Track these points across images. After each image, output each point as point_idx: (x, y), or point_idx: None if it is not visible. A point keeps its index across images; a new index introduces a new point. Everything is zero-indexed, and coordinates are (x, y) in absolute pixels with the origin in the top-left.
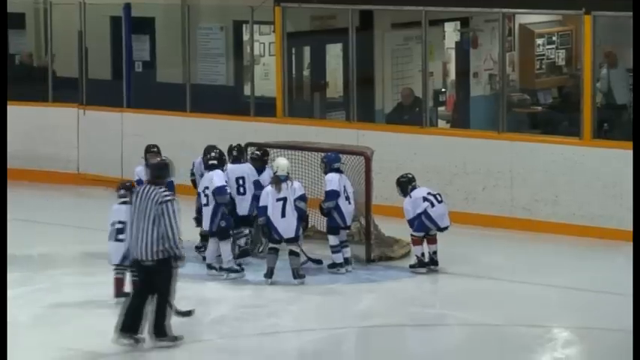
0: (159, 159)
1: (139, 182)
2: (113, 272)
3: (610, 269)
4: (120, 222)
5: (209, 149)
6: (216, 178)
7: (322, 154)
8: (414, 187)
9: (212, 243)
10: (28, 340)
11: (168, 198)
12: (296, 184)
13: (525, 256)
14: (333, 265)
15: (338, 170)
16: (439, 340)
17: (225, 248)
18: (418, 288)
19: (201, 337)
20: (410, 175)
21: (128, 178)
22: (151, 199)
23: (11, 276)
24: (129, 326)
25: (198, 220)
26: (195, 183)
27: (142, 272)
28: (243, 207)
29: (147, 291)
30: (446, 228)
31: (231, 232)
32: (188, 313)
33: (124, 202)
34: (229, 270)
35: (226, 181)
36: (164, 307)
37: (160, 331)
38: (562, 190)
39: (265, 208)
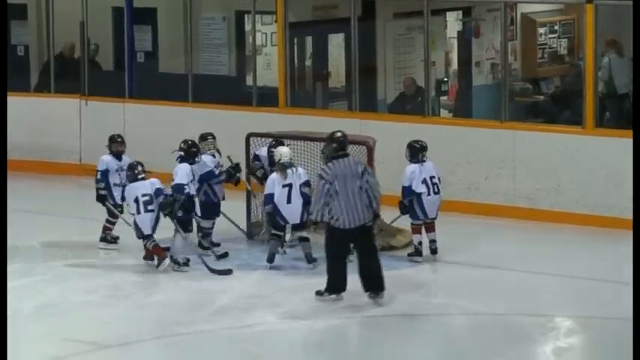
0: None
1: (105, 172)
2: (147, 242)
3: (612, 258)
4: (144, 194)
5: (203, 137)
6: (179, 174)
7: (323, 144)
8: (425, 158)
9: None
10: (31, 332)
11: (365, 165)
12: (300, 170)
13: (527, 245)
14: None
15: None
16: (441, 329)
17: (178, 239)
18: (420, 277)
19: (204, 328)
20: (423, 143)
21: None
22: (354, 169)
23: (13, 267)
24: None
25: None
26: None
27: (349, 236)
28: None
29: (347, 253)
30: (433, 219)
31: (190, 226)
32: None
33: (143, 178)
34: (175, 261)
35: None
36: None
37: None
38: (564, 179)
39: (271, 195)
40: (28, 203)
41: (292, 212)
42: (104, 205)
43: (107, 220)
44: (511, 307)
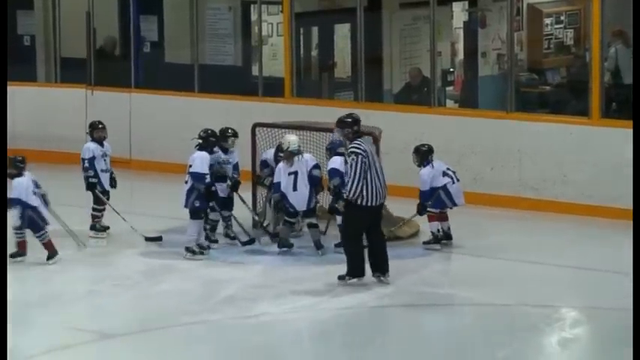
0: None
1: (92, 159)
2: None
3: (618, 249)
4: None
5: (222, 132)
6: (197, 162)
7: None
8: (433, 159)
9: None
10: (37, 320)
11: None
12: (307, 155)
13: (533, 236)
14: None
15: (342, 155)
16: (447, 320)
17: (193, 228)
18: (426, 268)
19: (210, 317)
20: (429, 146)
21: (137, 158)
22: (373, 148)
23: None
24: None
25: None
26: None
27: (373, 213)
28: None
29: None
30: (461, 205)
31: (202, 214)
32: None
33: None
34: (188, 249)
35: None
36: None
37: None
38: (570, 169)
39: (279, 184)
40: None
41: (299, 199)
42: (93, 193)
43: (94, 209)
44: (517, 298)
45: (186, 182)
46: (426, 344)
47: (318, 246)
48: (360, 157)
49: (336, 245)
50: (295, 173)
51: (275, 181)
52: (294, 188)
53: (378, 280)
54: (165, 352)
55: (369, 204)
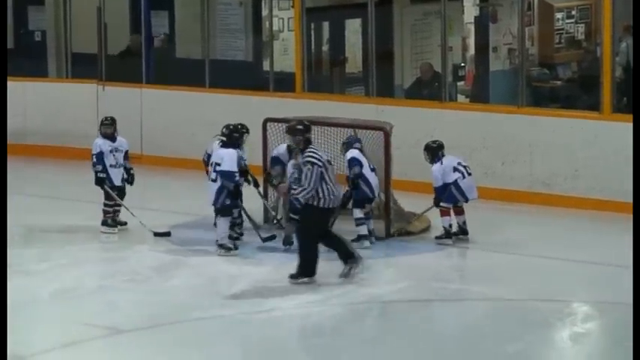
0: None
1: (100, 154)
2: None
3: (629, 243)
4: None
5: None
6: (227, 160)
7: (343, 132)
8: (444, 154)
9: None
10: (49, 316)
11: None
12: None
13: (544, 230)
14: (358, 238)
15: (359, 149)
16: (458, 315)
17: (224, 225)
18: (437, 263)
19: (221, 312)
20: (440, 142)
21: (146, 153)
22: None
23: (31, 252)
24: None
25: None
26: (206, 164)
27: (330, 215)
28: None
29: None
30: (473, 199)
31: (232, 211)
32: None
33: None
34: (222, 246)
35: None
36: None
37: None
38: (581, 164)
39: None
40: (46, 188)
41: None
42: (102, 188)
43: (105, 204)
44: (528, 293)
45: (213, 180)
46: (437, 339)
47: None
48: (315, 166)
49: (354, 240)
50: None
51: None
52: None
53: (349, 272)
54: (177, 347)
55: (327, 206)
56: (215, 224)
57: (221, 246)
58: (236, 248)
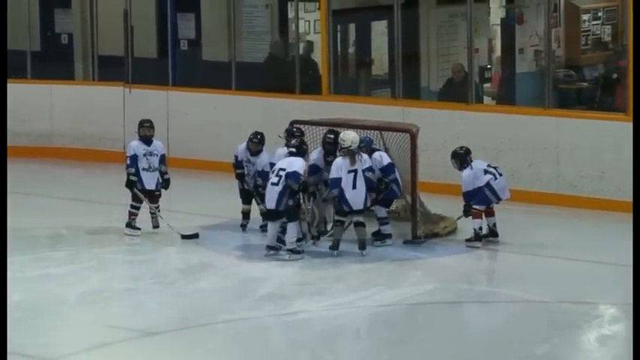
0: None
1: (134, 157)
2: None
3: None
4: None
5: (254, 135)
6: (297, 164)
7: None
8: (472, 159)
9: (273, 226)
10: (76, 318)
11: None
12: (365, 155)
13: (571, 232)
14: (382, 237)
15: (378, 150)
16: (485, 317)
17: (294, 229)
18: (464, 265)
19: (249, 315)
20: (466, 147)
21: (173, 156)
22: None
23: (58, 254)
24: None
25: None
26: (235, 167)
27: None
28: None
29: None
30: (506, 199)
31: (299, 214)
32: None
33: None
34: (292, 251)
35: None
36: None
37: None
38: (608, 166)
39: (338, 179)
40: (73, 191)
41: (357, 198)
42: (131, 190)
43: (131, 206)
44: (555, 295)
45: (274, 184)
46: (465, 341)
47: (363, 246)
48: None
49: (377, 238)
50: (355, 172)
51: (335, 176)
52: (354, 186)
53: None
54: (205, 349)
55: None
56: (261, 227)
57: (290, 250)
58: (303, 251)
